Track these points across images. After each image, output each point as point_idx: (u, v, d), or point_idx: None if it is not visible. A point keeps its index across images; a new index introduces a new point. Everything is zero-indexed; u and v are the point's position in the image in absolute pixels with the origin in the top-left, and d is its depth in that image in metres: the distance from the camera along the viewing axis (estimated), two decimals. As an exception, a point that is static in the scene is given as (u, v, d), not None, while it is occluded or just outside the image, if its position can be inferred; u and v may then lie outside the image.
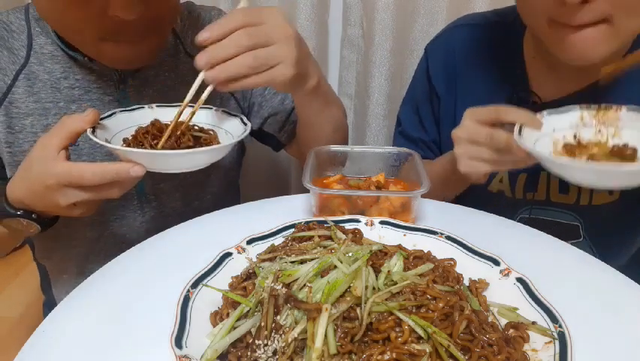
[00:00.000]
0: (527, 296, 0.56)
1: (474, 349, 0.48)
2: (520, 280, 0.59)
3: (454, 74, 0.96)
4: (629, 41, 0.76)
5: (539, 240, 0.74)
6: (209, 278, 0.59)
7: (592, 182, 0.65)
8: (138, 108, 0.80)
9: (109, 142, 0.71)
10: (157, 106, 0.81)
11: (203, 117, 0.80)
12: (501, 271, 0.61)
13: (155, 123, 0.77)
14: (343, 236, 0.64)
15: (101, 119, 0.75)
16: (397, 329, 0.48)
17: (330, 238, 0.64)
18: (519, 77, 0.90)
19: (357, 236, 0.66)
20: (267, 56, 0.68)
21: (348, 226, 0.69)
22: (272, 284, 0.52)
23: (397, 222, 0.70)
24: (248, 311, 0.52)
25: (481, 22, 0.96)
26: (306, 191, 0.75)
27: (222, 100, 0.97)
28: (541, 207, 0.92)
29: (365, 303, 0.49)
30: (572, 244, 0.73)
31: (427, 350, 0.46)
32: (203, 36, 0.67)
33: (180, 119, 0.75)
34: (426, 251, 0.64)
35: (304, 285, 0.51)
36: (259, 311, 0.51)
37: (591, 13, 0.68)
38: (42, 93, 0.82)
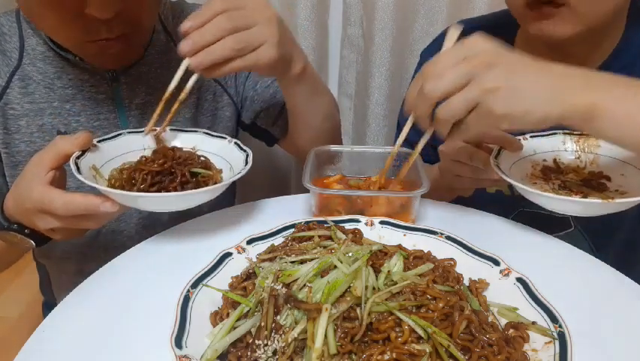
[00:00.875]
0: (527, 296, 0.56)
1: (474, 349, 0.48)
2: (520, 280, 0.59)
3: None
4: (600, 24, 0.76)
5: (539, 240, 0.74)
6: (209, 278, 0.59)
7: (552, 208, 0.70)
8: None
9: (98, 167, 0.70)
10: (170, 130, 0.80)
11: (206, 145, 0.80)
12: (501, 271, 0.61)
13: (160, 151, 0.75)
14: (343, 236, 0.64)
15: (104, 140, 0.74)
16: (397, 329, 0.48)
17: (330, 238, 0.64)
18: None
19: (357, 236, 0.66)
20: (250, 38, 0.68)
21: (348, 226, 0.69)
22: (272, 284, 0.52)
23: (397, 222, 0.70)
24: (248, 311, 0.52)
25: (473, 27, 0.97)
26: (306, 191, 0.75)
27: (215, 96, 0.97)
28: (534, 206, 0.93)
29: (365, 303, 0.49)
30: (565, 234, 0.74)
31: (427, 350, 0.46)
32: (185, 25, 0.67)
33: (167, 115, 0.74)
34: (426, 251, 0.64)
35: (304, 285, 0.51)
36: (259, 311, 0.51)
37: None
38: (36, 94, 0.82)
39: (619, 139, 0.59)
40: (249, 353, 0.48)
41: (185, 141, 0.80)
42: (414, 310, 0.50)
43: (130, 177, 0.70)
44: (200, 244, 0.71)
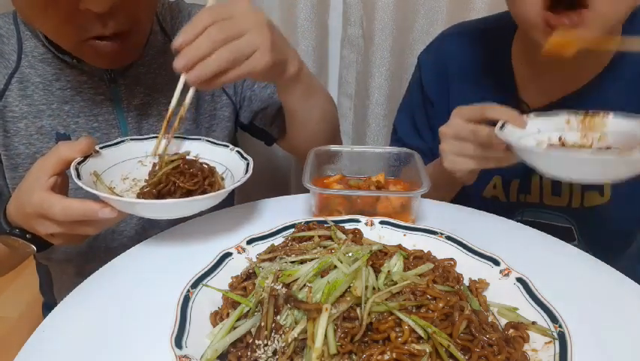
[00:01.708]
0: (527, 296, 0.56)
1: (474, 349, 0.48)
2: (520, 280, 0.59)
3: (447, 83, 0.97)
4: (615, 26, 0.75)
5: (539, 240, 0.74)
6: (209, 278, 0.59)
7: (568, 173, 0.64)
8: (151, 138, 0.79)
9: (100, 174, 0.70)
10: (173, 137, 0.80)
11: (209, 153, 0.80)
12: (501, 271, 0.61)
13: (185, 161, 0.74)
14: (343, 236, 0.64)
15: (107, 146, 0.74)
16: (397, 329, 0.48)
17: (330, 238, 0.64)
18: (507, 84, 0.91)
19: (357, 236, 0.66)
20: (242, 46, 0.68)
21: (348, 226, 0.69)
22: (272, 284, 0.52)
23: (397, 223, 0.70)
24: (248, 311, 0.52)
25: (471, 31, 0.98)
26: (306, 191, 0.75)
27: (214, 97, 0.97)
28: (534, 209, 0.92)
29: (365, 303, 0.49)
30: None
31: (427, 350, 0.46)
32: (177, 42, 0.67)
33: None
34: (426, 251, 0.64)
35: (304, 285, 0.51)
36: (259, 311, 0.51)
37: None
38: (35, 96, 0.82)
39: None
40: (249, 353, 0.48)
41: (188, 148, 0.80)
42: (414, 311, 0.50)
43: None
44: (200, 244, 0.71)
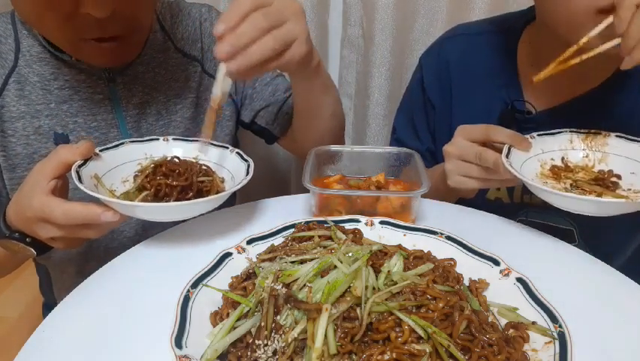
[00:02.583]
0: (527, 296, 0.56)
1: (474, 349, 0.48)
2: (520, 280, 0.59)
3: (449, 85, 0.97)
4: None
5: (539, 240, 0.74)
6: (209, 278, 0.59)
7: (566, 207, 0.68)
8: (151, 140, 0.79)
9: (100, 177, 0.70)
10: (173, 139, 0.80)
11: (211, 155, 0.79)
12: (501, 271, 0.61)
13: (168, 164, 0.74)
14: (343, 236, 0.64)
15: (106, 149, 0.74)
16: (397, 329, 0.48)
17: (330, 238, 0.64)
18: (513, 86, 0.90)
19: (357, 236, 0.66)
20: (285, 35, 0.66)
21: (348, 226, 0.69)
22: (272, 284, 0.52)
23: (397, 223, 0.70)
24: (248, 311, 0.52)
25: (474, 33, 0.97)
26: (306, 191, 0.75)
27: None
28: (537, 210, 0.92)
29: (365, 303, 0.49)
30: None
31: (427, 350, 0.46)
32: (219, 29, 0.63)
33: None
34: (426, 251, 0.64)
35: (304, 285, 0.51)
36: (259, 311, 0.51)
37: None
38: (33, 96, 0.82)
39: None
40: (249, 353, 0.48)
41: (188, 150, 0.80)
42: (414, 311, 0.50)
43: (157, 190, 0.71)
44: (200, 244, 0.71)
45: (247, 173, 0.73)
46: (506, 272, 0.60)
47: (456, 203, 0.95)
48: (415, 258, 0.60)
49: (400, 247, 0.63)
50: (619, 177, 0.75)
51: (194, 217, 0.78)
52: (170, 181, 0.71)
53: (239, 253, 0.63)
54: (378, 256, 0.58)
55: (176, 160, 0.75)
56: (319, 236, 0.64)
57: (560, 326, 0.51)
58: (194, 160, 0.78)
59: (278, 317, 0.49)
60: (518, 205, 0.94)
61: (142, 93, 0.88)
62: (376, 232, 0.69)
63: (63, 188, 0.67)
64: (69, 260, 0.92)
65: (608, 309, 0.59)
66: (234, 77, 0.67)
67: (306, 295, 0.50)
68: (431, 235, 0.68)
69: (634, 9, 0.60)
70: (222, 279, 0.59)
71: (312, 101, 0.89)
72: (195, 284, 0.57)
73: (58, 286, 1.01)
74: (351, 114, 1.49)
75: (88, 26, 0.71)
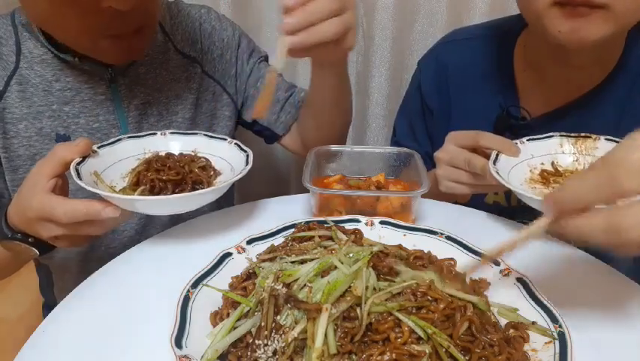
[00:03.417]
0: (527, 296, 0.56)
1: (474, 350, 0.48)
2: (520, 280, 0.59)
3: (447, 90, 0.97)
4: (626, 28, 0.76)
5: (539, 240, 0.74)
6: (209, 278, 0.59)
7: None
8: (148, 135, 0.79)
9: (99, 173, 0.70)
10: (170, 133, 0.80)
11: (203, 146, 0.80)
12: (501, 271, 0.61)
13: (159, 159, 0.74)
14: (344, 236, 0.64)
15: (104, 145, 0.74)
16: (397, 330, 0.48)
17: (330, 238, 0.64)
18: (509, 91, 0.91)
19: (357, 236, 0.66)
20: (347, 22, 0.66)
21: (348, 226, 0.69)
22: (272, 284, 0.52)
23: (397, 223, 0.70)
24: (248, 311, 0.52)
25: (472, 37, 0.97)
26: (306, 191, 0.75)
27: (215, 95, 0.97)
28: (534, 213, 0.92)
29: (365, 303, 0.49)
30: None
31: (427, 351, 0.46)
32: (290, 1, 0.63)
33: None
34: (426, 251, 0.63)
35: (304, 285, 0.51)
36: (259, 311, 0.51)
37: None
38: (34, 97, 0.82)
39: None
40: (249, 353, 0.48)
41: (186, 143, 0.80)
42: (414, 311, 0.50)
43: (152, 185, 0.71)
44: (201, 244, 0.71)
45: (247, 163, 0.73)
46: (506, 272, 0.60)
47: (456, 200, 0.95)
48: (415, 258, 0.60)
49: (400, 247, 0.63)
50: None
51: (195, 217, 0.78)
52: (161, 176, 0.71)
53: (239, 253, 0.63)
54: (380, 257, 0.58)
55: (168, 155, 0.76)
56: (319, 236, 0.64)
57: (560, 326, 0.51)
58: (192, 153, 0.78)
59: (278, 317, 0.49)
60: (516, 209, 0.94)
61: (143, 94, 0.88)
62: (376, 232, 0.69)
63: (63, 187, 0.68)
64: (72, 260, 0.92)
65: (608, 309, 0.59)
66: (294, 53, 0.65)
67: (306, 295, 0.50)
68: (431, 235, 0.68)
69: None
70: (222, 279, 0.59)
71: (333, 94, 0.89)
72: (195, 284, 0.57)
73: (59, 286, 1.01)
74: (351, 114, 1.49)
75: (110, 21, 0.70)
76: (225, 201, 1.06)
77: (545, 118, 0.87)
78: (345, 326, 0.48)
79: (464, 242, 0.66)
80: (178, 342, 0.49)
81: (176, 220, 0.79)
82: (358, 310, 0.49)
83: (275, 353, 0.47)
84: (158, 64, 0.90)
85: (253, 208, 0.81)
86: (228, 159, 0.78)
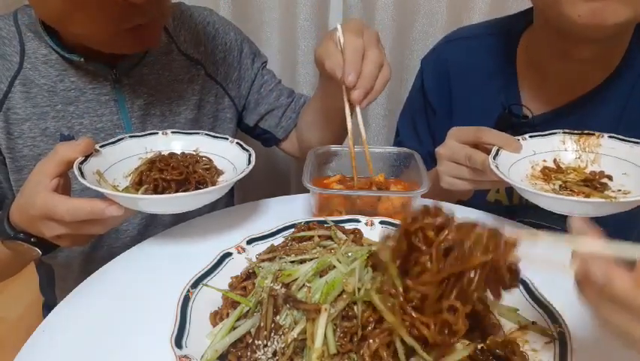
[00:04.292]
0: (527, 296, 0.56)
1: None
2: (520, 280, 0.58)
3: (449, 89, 0.97)
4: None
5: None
6: (209, 278, 0.59)
7: (553, 209, 0.68)
8: (150, 134, 0.79)
9: (102, 172, 0.70)
10: (172, 132, 0.80)
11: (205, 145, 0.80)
12: (501, 271, 0.60)
13: (162, 159, 0.74)
14: (343, 236, 0.64)
15: (106, 145, 0.74)
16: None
17: (330, 238, 0.64)
18: (511, 90, 0.91)
19: (357, 236, 0.66)
20: (385, 62, 0.73)
21: (348, 226, 0.69)
22: (271, 284, 0.52)
23: (397, 223, 0.70)
24: (248, 311, 0.52)
25: (474, 36, 0.97)
26: (306, 191, 0.75)
27: (217, 98, 0.97)
28: (536, 212, 0.92)
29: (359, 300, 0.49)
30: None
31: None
32: (352, 80, 0.70)
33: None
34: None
35: (303, 285, 0.51)
36: (259, 311, 0.51)
37: None
38: (39, 98, 0.81)
39: None
40: (249, 353, 0.48)
41: (188, 142, 0.80)
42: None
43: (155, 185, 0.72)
44: (200, 244, 0.71)
45: (249, 162, 0.73)
46: (506, 272, 0.60)
47: (456, 204, 0.95)
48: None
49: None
50: (610, 177, 0.74)
51: (195, 217, 0.78)
52: (165, 175, 0.71)
53: (239, 253, 0.64)
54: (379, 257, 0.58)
55: (171, 155, 0.76)
56: (319, 236, 0.64)
57: (560, 326, 0.51)
58: (194, 153, 0.78)
59: (277, 317, 0.49)
60: (517, 207, 0.94)
61: (147, 95, 0.88)
62: (376, 232, 0.69)
63: (65, 186, 0.68)
64: (74, 259, 0.92)
65: (608, 309, 0.59)
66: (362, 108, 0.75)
67: (305, 295, 0.50)
68: (431, 235, 0.68)
69: None
70: (222, 279, 0.59)
71: (338, 103, 0.88)
72: (195, 284, 0.57)
73: (61, 286, 1.01)
74: (351, 114, 1.49)
75: (128, 14, 0.69)
76: (225, 201, 1.06)
77: (547, 117, 0.87)
78: (344, 325, 0.48)
79: (464, 242, 0.65)
80: (178, 342, 0.49)
81: (178, 221, 0.79)
82: (355, 308, 0.49)
83: (275, 354, 0.47)
84: (162, 65, 0.90)
85: (253, 208, 0.81)
86: (230, 158, 0.78)
